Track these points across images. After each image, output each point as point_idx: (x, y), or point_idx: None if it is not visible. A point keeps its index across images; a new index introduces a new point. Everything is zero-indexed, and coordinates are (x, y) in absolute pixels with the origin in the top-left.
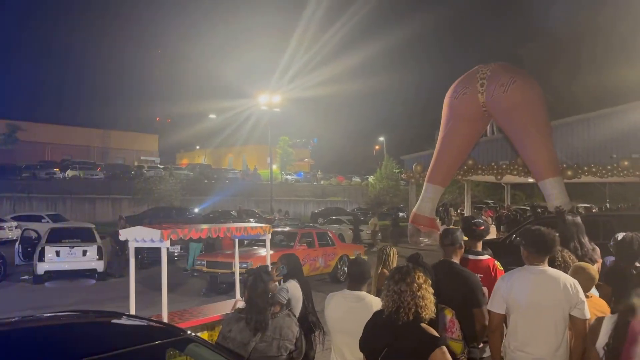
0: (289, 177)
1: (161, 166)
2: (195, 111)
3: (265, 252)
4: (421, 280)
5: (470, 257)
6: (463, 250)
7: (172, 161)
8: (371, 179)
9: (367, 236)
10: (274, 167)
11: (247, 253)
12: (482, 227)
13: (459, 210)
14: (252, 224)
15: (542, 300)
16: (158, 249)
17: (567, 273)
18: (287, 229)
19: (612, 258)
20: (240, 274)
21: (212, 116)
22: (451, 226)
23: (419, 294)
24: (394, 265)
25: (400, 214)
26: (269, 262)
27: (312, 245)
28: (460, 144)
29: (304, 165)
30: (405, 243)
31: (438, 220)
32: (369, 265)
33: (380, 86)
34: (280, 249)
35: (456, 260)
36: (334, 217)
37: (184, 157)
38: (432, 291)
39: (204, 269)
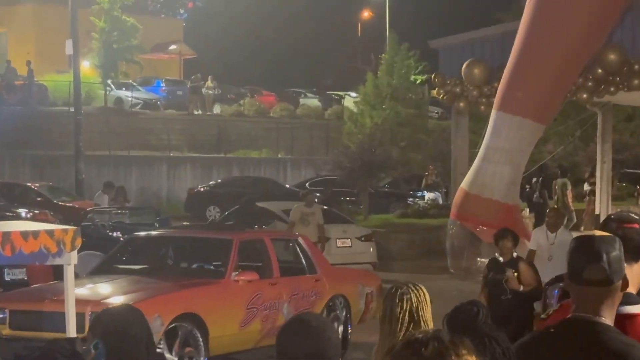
0: (124, 94)
1: None
2: None
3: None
4: None
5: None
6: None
7: None
8: (352, 100)
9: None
10: (85, 64)
11: (109, 289)
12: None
13: (586, 186)
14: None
15: None
16: None
17: None
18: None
19: None
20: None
21: None
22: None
23: None
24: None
25: (429, 196)
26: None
27: (266, 274)
28: (585, 15)
29: (167, 62)
30: (441, 269)
31: (528, 216)
32: (335, 336)
33: None
34: (174, 283)
35: (610, 318)
36: (259, 206)
37: None
38: None
39: (6, 331)
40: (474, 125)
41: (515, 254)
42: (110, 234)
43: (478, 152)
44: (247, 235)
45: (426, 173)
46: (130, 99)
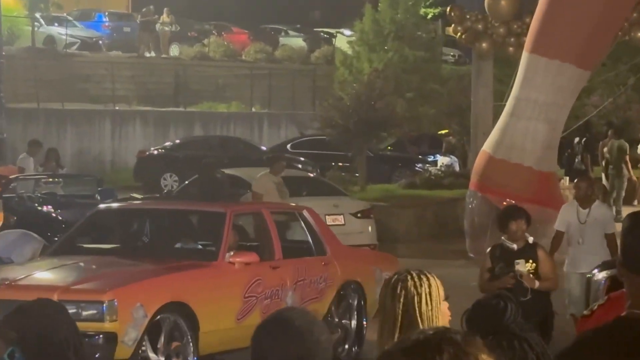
0: (57, 31)
1: None
2: None
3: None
4: None
5: None
6: None
7: None
8: (346, 40)
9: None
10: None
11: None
12: None
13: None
14: None
15: None
16: None
17: None
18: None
19: None
20: None
21: None
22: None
23: None
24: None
25: (442, 161)
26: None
27: (266, 255)
28: None
29: None
30: (458, 253)
31: (567, 186)
32: (325, 338)
33: None
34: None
35: None
36: (227, 173)
37: None
38: None
39: None
40: (500, 71)
41: (530, 239)
42: (39, 208)
43: (505, 105)
44: (242, 208)
45: (446, 132)
46: (64, 37)
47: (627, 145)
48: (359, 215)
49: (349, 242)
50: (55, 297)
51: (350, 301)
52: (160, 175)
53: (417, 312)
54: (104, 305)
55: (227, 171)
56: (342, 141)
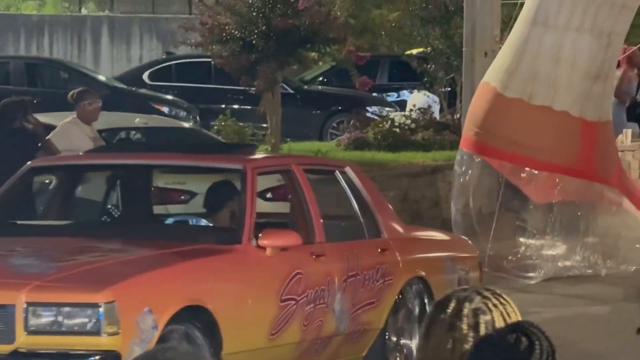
0: None
1: None
2: None
3: None
4: None
5: None
6: None
7: None
8: None
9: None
10: None
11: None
12: None
13: None
14: None
15: None
16: None
17: None
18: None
19: None
20: None
21: None
22: None
23: None
24: None
25: (413, 101)
26: None
27: (305, 236)
28: None
29: None
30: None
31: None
32: None
33: None
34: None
35: None
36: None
37: None
38: None
39: None
40: None
41: None
42: None
43: (522, 5)
44: (266, 162)
45: (420, 52)
46: None
47: None
48: (267, 196)
49: None
50: (22, 299)
51: (411, 308)
52: None
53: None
54: (100, 309)
55: (41, 118)
56: (239, 67)
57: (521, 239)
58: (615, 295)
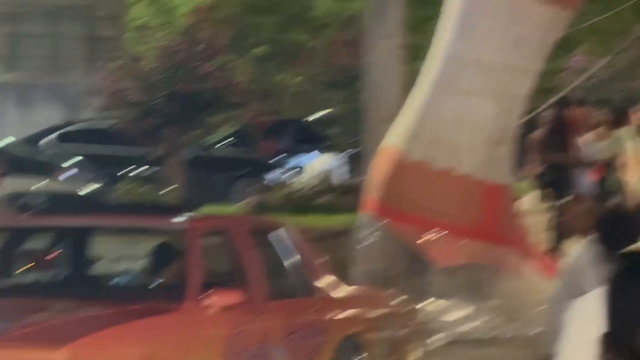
0: None
1: None
2: None
3: None
4: None
5: None
6: None
7: None
8: None
9: None
10: None
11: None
12: None
13: None
14: None
15: None
16: None
17: None
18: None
19: None
20: None
21: None
22: None
23: None
24: None
25: (315, 166)
26: None
27: (247, 294)
28: None
29: None
30: None
31: (538, 207)
32: None
33: None
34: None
35: None
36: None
37: None
38: None
39: None
40: (415, 11)
41: None
42: None
43: (424, 70)
44: (212, 223)
45: (324, 115)
46: None
47: (628, 140)
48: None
49: None
50: None
51: None
52: None
53: None
54: None
55: None
56: (143, 131)
57: (425, 302)
58: (518, 358)
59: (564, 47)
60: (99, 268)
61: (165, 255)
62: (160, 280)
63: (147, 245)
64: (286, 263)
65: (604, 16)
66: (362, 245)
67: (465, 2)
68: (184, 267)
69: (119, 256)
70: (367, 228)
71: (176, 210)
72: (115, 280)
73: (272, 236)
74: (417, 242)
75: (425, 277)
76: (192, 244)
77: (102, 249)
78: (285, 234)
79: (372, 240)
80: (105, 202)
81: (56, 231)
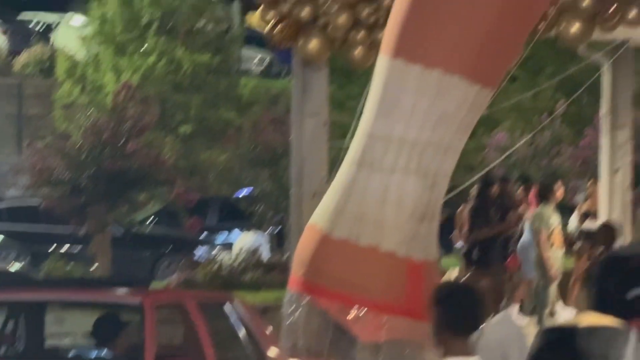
0: None
1: None
2: None
3: None
4: None
5: None
6: None
7: None
8: (75, 32)
9: None
10: None
11: None
12: None
13: (573, 222)
14: None
15: None
16: None
17: None
18: None
19: None
20: None
21: None
22: None
23: None
24: None
25: (241, 243)
26: None
27: None
28: None
29: None
30: None
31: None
32: None
33: None
34: None
35: None
36: None
37: None
38: None
39: None
40: (340, 89)
41: None
42: None
43: (349, 147)
44: (164, 296)
45: (250, 192)
46: None
47: (555, 215)
48: None
49: None
50: None
51: None
52: None
53: None
54: None
55: None
56: (69, 209)
57: None
58: None
59: (486, 124)
60: (53, 342)
61: (112, 327)
62: (116, 353)
63: (111, 323)
64: (238, 334)
65: (525, 95)
66: (288, 322)
67: (388, 80)
68: (138, 340)
69: (69, 331)
70: (293, 304)
71: (123, 284)
72: (73, 352)
73: (226, 308)
74: (342, 318)
75: (350, 352)
76: (147, 318)
77: (54, 323)
78: (238, 306)
79: (298, 316)
80: (54, 278)
81: (8, 306)
